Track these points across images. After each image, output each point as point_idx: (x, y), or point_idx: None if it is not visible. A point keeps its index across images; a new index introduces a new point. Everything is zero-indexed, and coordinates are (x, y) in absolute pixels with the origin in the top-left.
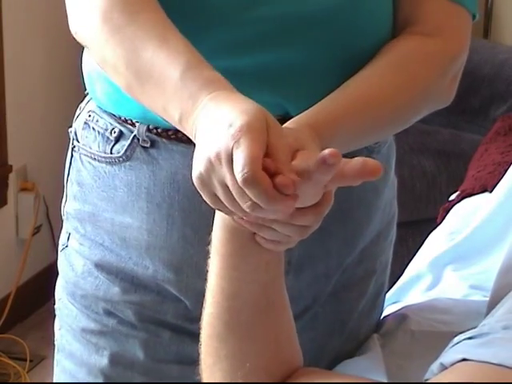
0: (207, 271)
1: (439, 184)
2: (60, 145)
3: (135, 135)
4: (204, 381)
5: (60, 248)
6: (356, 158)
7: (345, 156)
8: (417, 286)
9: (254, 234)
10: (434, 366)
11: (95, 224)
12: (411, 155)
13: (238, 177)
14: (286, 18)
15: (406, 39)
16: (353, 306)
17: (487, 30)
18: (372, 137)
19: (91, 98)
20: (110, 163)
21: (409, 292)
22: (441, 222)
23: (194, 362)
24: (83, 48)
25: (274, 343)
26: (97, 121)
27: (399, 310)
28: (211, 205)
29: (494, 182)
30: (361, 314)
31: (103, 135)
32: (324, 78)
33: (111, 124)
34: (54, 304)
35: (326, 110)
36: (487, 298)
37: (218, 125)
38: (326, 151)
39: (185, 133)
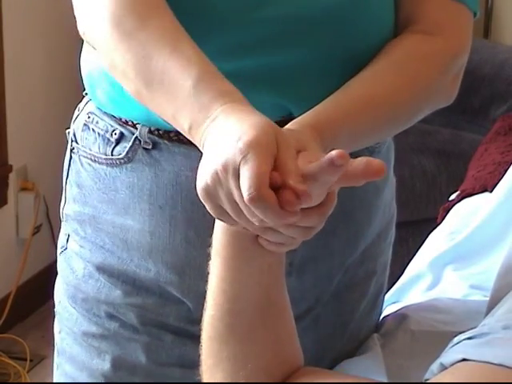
0: (205, 271)
1: (439, 184)
2: (60, 145)
3: (137, 137)
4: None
5: (59, 250)
6: (359, 158)
7: None
8: (417, 286)
9: (257, 236)
10: (434, 366)
11: (96, 226)
12: (411, 155)
13: (245, 195)
14: (288, 20)
15: (408, 38)
16: (354, 306)
17: (487, 30)
18: (374, 136)
19: (90, 99)
20: (110, 165)
21: (409, 292)
22: (441, 222)
23: (196, 365)
24: (82, 48)
25: (275, 344)
26: (97, 122)
27: (399, 309)
28: (214, 216)
29: (494, 181)
30: (362, 315)
31: (103, 137)
32: (326, 79)
33: (112, 126)
34: (54, 305)
35: (327, 110)
36: (487, 298)
37: (227, 137)
38: (334, 152)
39: (193, 141)
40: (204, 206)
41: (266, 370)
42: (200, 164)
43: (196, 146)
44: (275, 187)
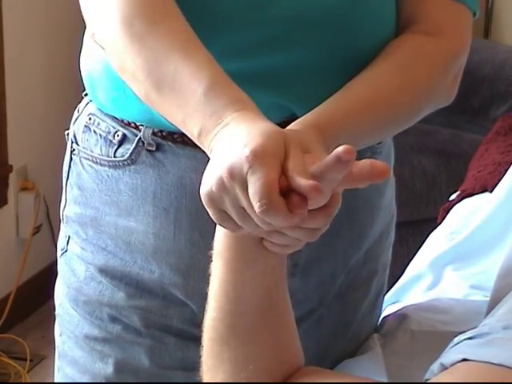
0: (209, 274)
1: (439, 184)
2: (60, 145)
3: (140, 138)
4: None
5: (59, 253)
6: (363, 160)
7: None
8: (417, 286)
9: (261, 238)
10: (435, 366)
11: (98, 228)
12: (411, 155)
13: (256, 206)
14: (291, 20)
15: (409, 38)
16: (357, 306)
17: (487, 30)
18: (375, 136)
19: (91, 100)
20: (113, 167)
21: (409, 292)
22: (441, 222)
23: (199, 367)
24: (82, 48)
25: (277, 345)
26: (98, 124)
27: (400, 309)
28: (217, 221)
29: (494, 181)
30: (363, 315)
31: (105, 138)
32: (328, 79)
33: (113, 127)
34: (55, 305)
35: (329, 110)
36: (487, 298)
37: (234, 144)
38: (340, 148)
39: (201, 147)
40: None
41: (267, 371)
42: (206, 169)
43: (200, 148)
44: (283, 192)
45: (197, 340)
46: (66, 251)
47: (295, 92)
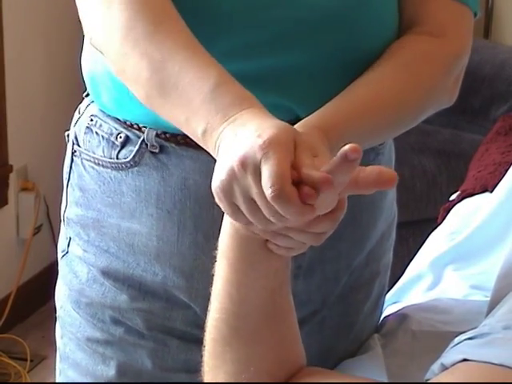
0: (213, 275)
1: (439, 184)
2: (61, 145)
3: (143, 140)
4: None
5: (60, 255)
6: (371, 167)
7: None
8: (417, 286)
9: (266, 240)
10: (435, 366)
11: (100, 230)
12: (412, 155)
13: (268, 192)
14: (293, 21)
15: (411, 39)
16: (359, 307)
17: (488, 30)
18: (378, 137)
19: (92, 101)
20: (116, 169)
21: (409, 292)
22: (441, 222)
23: (201, 370)
24: (82, 48)
25: (279, 347)
26: (100, 125)
27: (400, 310)
28: (230, 216)
29: (494, 181)
30: (365, 316)
31: (108, 140)
32: (331, 80)
33: (116, 129)
34: (55, 305)
35: (332, 112)
36: (488, 298)
37: (245, 134)
38: (347, 147)
39: (204, 147)
40: (213, 210)
41: (268, 372)
42: (215, 166)
43: (204, 149)
44: (293, 184)
45: (200, 342)
46: (66, 253)
47: (296, 93)
